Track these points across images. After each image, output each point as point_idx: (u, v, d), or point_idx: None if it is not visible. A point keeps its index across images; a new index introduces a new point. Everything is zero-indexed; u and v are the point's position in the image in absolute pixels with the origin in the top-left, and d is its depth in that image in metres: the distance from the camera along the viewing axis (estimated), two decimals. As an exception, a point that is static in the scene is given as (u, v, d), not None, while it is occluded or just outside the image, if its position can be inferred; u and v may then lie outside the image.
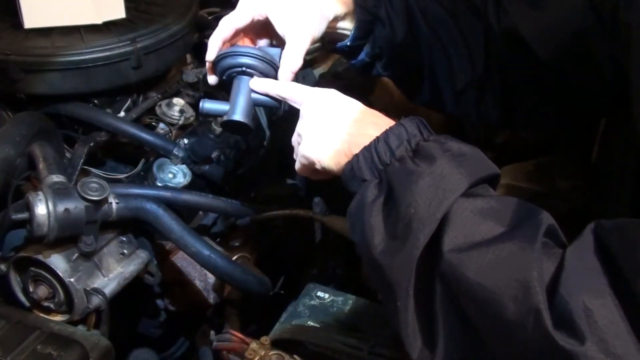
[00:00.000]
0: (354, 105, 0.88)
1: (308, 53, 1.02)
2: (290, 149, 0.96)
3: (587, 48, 0.98)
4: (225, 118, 0.98)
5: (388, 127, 0.81)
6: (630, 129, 0.88)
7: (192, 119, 1.52)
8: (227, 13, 1.04)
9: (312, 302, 1.17)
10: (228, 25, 1.01)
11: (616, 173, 1.36)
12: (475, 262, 0.67)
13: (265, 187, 1.59)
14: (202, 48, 1.68)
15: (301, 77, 1.66)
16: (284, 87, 0.96)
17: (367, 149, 0.80)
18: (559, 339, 0.60)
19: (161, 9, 1.52)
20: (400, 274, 0.72)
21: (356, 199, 0.80)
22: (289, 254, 1.66)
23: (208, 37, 1.68)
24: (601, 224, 0.66)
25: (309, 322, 1.12)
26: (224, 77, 1.03)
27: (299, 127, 0.90)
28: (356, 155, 0.81)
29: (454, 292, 0.70)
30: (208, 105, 1.01)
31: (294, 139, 0.93)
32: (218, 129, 1.48)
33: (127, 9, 1.46)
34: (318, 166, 0.87)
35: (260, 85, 0.98)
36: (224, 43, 1.02)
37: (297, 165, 0.93)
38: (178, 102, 1.52)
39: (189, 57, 1.67)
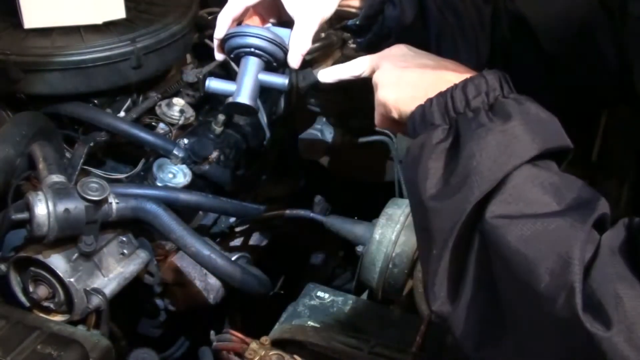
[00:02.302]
0: (431, 55, 0.87)
1: (309, 53, 1.01)
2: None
3: (594, 39, 0.98)
4: (230, 99, 0.97)
5: (468, 76, 0.78)
6: (632, 125, 0.88)
7: (192, 119, 1.52)
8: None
9: (312, 302, 1.17)
10: (238, 2, 0.99)
11: (616, 173, 1.36)
12: (520, 229, 0.66)
13: (265, 187, 1.59)
14: (202, 48, 1.70)
15: (302, 77, 1.66)
16: (354, 65, 0.94)
17: (442, 94, 0.77)
18: (586, 321, 0.60)
19: (161, 9, 1.52)
20: (445, 223, 0.70)
21: (420, 139, 0.77)
22: (289, 254, 1.67)
23: (208, 37, 1.70)
24: (633, 221, 0.66)
25: (309, 322, 1.12)
26: (231, 56, 1.02)
27: (376, 78, 0.88)
28: (430, 100, 0.78)
29: (490, 253, 0.69)
30: (214, 84, 1.00)
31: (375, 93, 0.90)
32: (218, 129, 1.48)
33: (127, 9, 1.46)
34: (394, 113, 0.84)
35: (332, 75, 0.96)
36: (233, 21, 1.01)
37: (376, 117, 0.90)
38: (178, 102, 1.52)
39: (189, 57, 1.67)
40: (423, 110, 0.79)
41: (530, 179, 0.69)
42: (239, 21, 1.03)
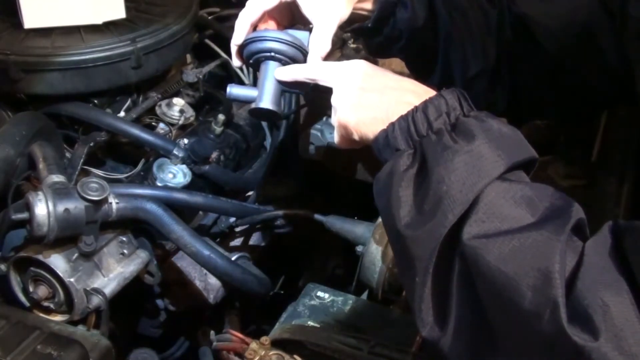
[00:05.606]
0: (390, 73, 0.87)
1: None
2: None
3: (595, 41, 0.98)
4: (253, 105, 0.97)
5: (428, 97, 0.78)
6: (632, 125, 0.89)
7: (192, 119, 1.53)
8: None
9: (312, 302, 1.17)
10: (256, 7, 0.99)
11: (616, 173, 1.36)
12: (499, 248, 0.66)
13: (266, 187, 1.59)
14: (202, 48, 1.70)
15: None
16: (312, 69, 0.94)
17: (403, 118, 0.78)
18: (572, 334, 0.60)
19: (161, 9, 1.52)
20: (423, 250, 0.71)
21: (387, 167, 0.77)
22: (289, 254, 1.67)
23: (208, 37, 1.70)
24: (618, 224, 0.65)
25: (309, 322, 1.12)
26: (250, 62, 1.01)
27: (334, 100, 0.88)
28: (392, 124, 0.78)
29: (472, 275, 0.69)
30: (236, 90, 0.99)
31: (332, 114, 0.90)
32: (218, 129, 1.48)
33: (127, 9, 1.46)
34: (355, 136, 0.85)
35: (287, 73, 0.96)
36: (251, 25, 1.00)
37: (336, 137, 0.91)
38: (178, 102, 1.52)
39: (189, 57, 1.67)
40: (386, 135, 0.79)
41: (501, 195, 0.69)
42: (254, 26, 1.02)
